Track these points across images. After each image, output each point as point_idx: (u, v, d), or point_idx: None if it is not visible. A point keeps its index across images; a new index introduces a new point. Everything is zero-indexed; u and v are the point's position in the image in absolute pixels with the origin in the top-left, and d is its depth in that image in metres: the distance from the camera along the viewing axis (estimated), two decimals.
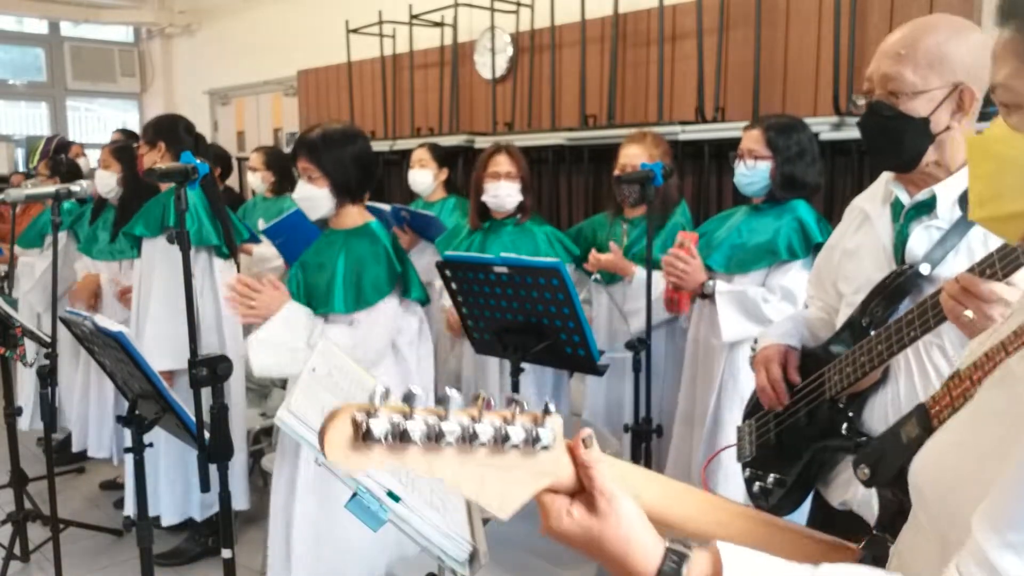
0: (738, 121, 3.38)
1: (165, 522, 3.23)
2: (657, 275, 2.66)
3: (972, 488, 0.74)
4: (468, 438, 0.72)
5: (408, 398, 0.71)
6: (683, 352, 2.85)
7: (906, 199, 1.55)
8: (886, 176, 1.61)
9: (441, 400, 0.72)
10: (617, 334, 2.99)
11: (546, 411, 0.75)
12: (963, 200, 1.46)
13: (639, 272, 2.84)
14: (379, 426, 0.69)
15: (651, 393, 2.64)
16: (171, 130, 3.21)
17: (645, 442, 2.63)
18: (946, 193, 1.49)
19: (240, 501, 3.29)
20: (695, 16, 3.74)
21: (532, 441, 0.74)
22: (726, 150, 2.84)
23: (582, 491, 0.79)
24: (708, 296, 2.56)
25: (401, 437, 0.70)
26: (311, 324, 2.29)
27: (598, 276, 3.01)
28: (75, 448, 4.05)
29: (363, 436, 0.69)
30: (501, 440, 0.73)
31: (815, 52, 3.44)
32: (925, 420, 0.89)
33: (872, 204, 1.64)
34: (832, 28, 3.32)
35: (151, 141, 3.19)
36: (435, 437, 0.71)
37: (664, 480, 0.90)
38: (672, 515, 0.87)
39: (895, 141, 1.48)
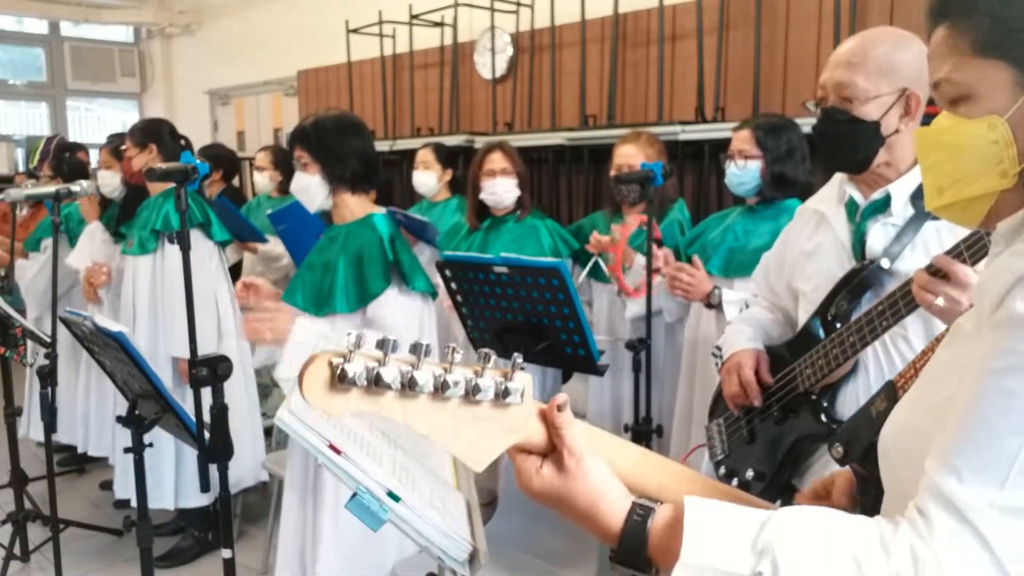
0: (738, 121, 3.38)
1: (181, 504, 3.23)
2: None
3: (930, 441, 0.77)
4: (440, 387, 0.75)
5: (382, 345, 0.74)
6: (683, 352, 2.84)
7: (860, 199, 1.65)
8: (839, 178, 1.70)
9: (414, 350, 0.75)
10: (618, 332, 2.99)
11: (514, 366, 0.78)
12: (915, 198, 1.57)
13: (639, 258, 2.84)
14: (354, 369, 0.72)
15: (651, 393, 2.64)
16: (157, 133, 3.28)
17: (645, 442, 2.63)
18: (899, 192, 1.59)
19: (250, 478, 3.36)
20: (695, 16, 3.74)
21: (502, 394, 0.77)
22: (726, 150, 2.85)
23: (554, 451, 0.82)
24: (715, 306, 2.54)
25: (376, 382, 0.73)
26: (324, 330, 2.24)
27: (599, 260, 2.99)
28: (79, 449, 4.03)
29: (339, 378, 0.72)
30: (472, 391, 0.76)
31: (815, 52, 3.43)
32: (892, 393, 0.95)
33: (827, 205, 1.72)
34: (832, 28, 3.32)
35: (141, 143, 3.24)
36: (408, 384, 0.74)
37: (639, 450, 0.93)
38: (647, 483, 0.89)
39: (849, 143, 1.58)
